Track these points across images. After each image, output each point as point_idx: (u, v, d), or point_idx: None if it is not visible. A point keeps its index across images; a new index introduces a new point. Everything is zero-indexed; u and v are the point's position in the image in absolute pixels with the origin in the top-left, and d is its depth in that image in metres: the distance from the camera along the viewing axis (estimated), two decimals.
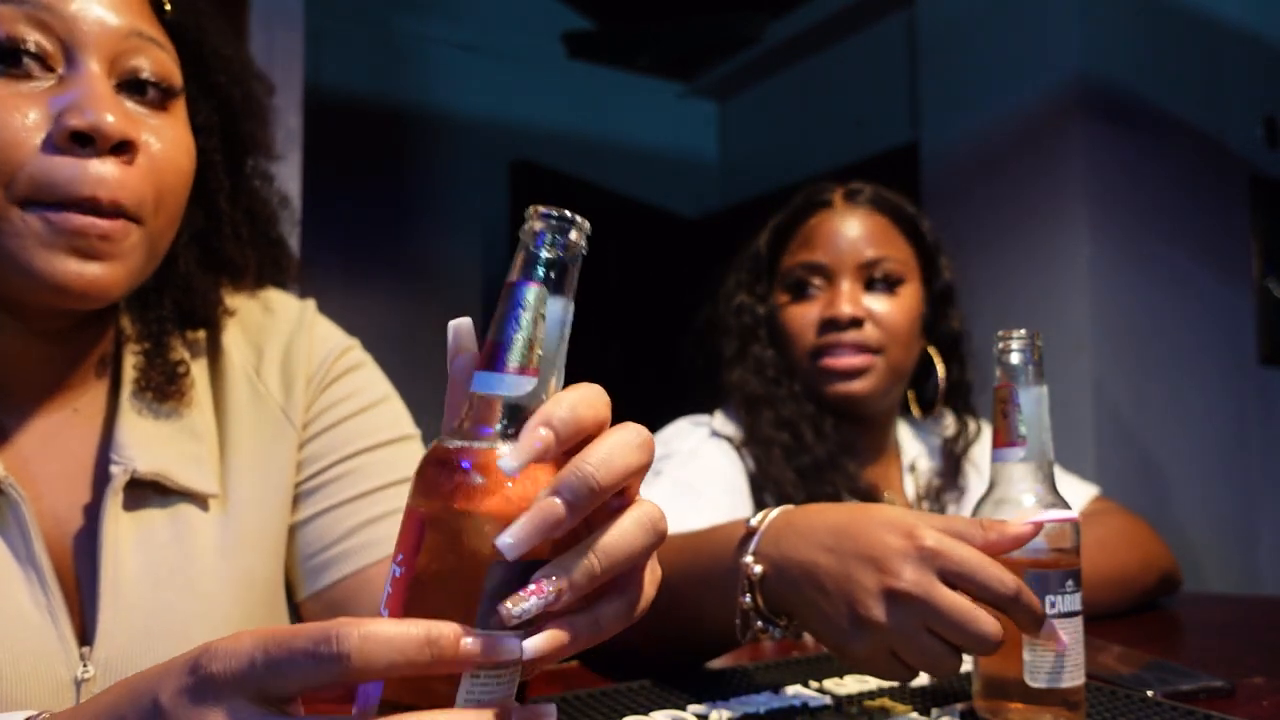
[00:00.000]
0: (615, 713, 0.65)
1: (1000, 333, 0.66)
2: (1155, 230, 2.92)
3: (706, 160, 4.64)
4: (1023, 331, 0.65)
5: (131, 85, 0.65)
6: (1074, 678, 0.62)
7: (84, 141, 0.60)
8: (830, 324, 1.19)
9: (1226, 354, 3.09)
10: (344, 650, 0.36)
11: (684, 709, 0.66)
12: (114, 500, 0.66)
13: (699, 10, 4.00)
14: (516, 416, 0.40)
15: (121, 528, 0.67)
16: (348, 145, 3.62)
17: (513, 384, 0.40)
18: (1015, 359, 0.65)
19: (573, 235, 0.42)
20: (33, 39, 0.60)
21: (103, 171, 0.60)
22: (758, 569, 0.67)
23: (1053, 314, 2.81)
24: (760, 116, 4.42)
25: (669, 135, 4.52)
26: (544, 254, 0.41)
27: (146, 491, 0.69)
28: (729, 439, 1.22)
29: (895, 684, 0.73)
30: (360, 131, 3.73)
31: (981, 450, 1.32)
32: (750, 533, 0.70)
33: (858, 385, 1.20)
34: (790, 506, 0.71)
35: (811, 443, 1.18)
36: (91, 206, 0.60)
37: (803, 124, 4.12)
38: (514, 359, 0.40)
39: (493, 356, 0.40)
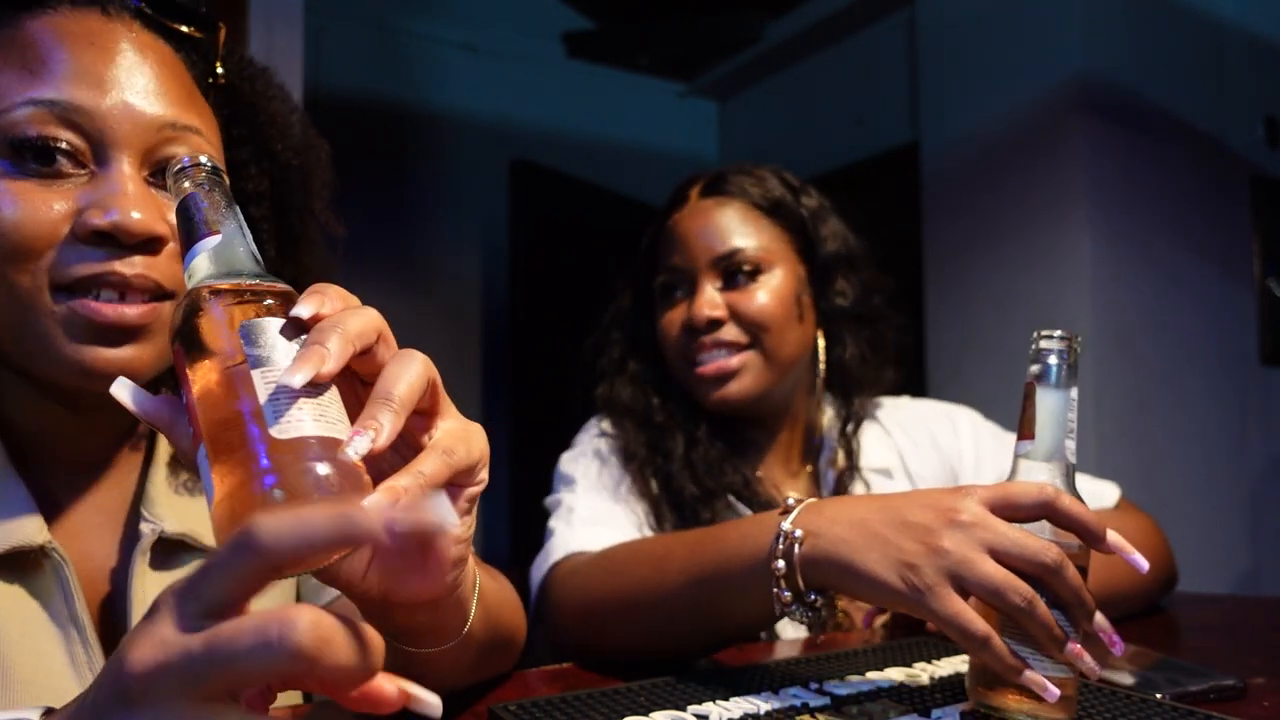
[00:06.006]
0: (615, 713, 0.65)
1: (1037, 331, 0.66)
2: (1156, 230, 2.92)
3: (706, 160, 4.64)
4: (1059, 332, 0.65)
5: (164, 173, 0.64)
6: (1057, 670, 0.62)
7: (107, 240, 0.60)
8: (689, 329, 1.13)
9: (1227, 354, 3.09)
10: (253, 541, 0.35)
11: (684, 709, 0.65)
12: (142, 559, 0.68)
13: (699, 10, 4.00)
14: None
15: (149, 584, 0.69)
16: (347, 145, 3.60)
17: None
18: (1044, 359, 0.65)
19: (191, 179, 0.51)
20: (65, 139, 0.60)
21: (129, 264, 0.60)
22: (798, 532, 0.71)
23: (1053, 314, 2.81)
24: (760, 116, 4.42)
25: (669, 135, 4.52)
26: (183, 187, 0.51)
27: (175, 549, 0.70)
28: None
29: (899, 681, 0.73)
30: (360, 131, 3.72)
31: (894, 426, 1.24)
32: (786, 510, 0.73)
33: (734, 388, 1.12)
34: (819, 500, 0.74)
35: (678, 454, 1.12)
36: (121, 286, 0.60)
37: (803, 124, 4.12)
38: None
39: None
